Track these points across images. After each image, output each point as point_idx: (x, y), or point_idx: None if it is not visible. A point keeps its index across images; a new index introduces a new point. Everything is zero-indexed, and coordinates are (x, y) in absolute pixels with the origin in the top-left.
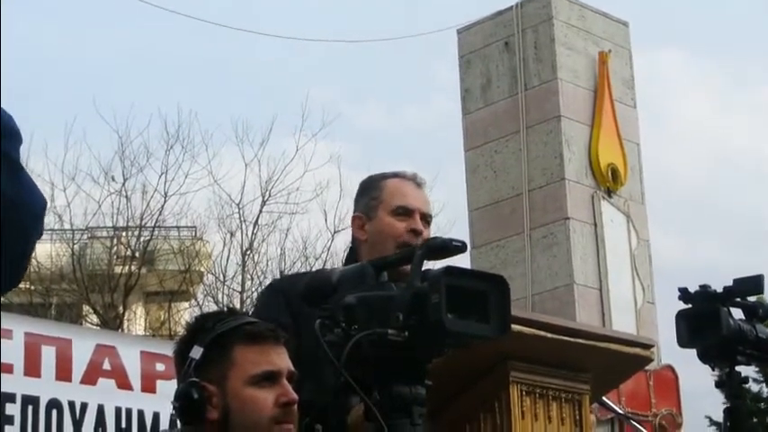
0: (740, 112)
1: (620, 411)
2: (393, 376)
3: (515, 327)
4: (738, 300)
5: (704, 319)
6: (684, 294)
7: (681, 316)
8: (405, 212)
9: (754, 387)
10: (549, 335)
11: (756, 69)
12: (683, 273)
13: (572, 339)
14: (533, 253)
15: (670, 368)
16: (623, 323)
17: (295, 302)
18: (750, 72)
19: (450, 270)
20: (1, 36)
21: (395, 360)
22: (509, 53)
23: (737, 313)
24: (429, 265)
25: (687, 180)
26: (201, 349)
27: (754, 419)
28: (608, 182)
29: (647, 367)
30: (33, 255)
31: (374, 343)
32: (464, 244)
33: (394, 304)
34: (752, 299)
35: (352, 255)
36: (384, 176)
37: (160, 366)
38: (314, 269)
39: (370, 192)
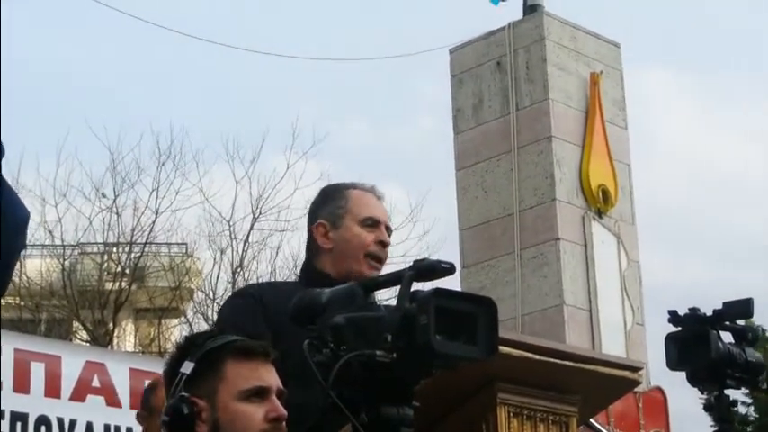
0: (726, 131)
1: None
2: (381, 397)
3: (503, 348)
4: (728, 323)
5: (693, 342)
6: (674, 317)
7: (670, 339)
8: (373, 224)
9: (741, 409)
10: (537, 357)
11: (742, 89)
12: (673, 292)
13: (560, 361)
14: (523, 273)
15: (659, 390)
16: (613, 344)
17: (271, 312)
18: (736, 91)
19: (438, 291)
20: (1, 38)
21: (383, 381)
22: (501, 73)
23: (727, 336)
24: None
25: (673, 199)
26: (192, 364)
27: None
28: (599, 203)
29: (636, 389)
30: (23, 270)
31: (362, 364)
32: (452, 266)
33: (382, 325)
34: (741, 322)
35: (310, 265)
36: (346, 186)
37: None
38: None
39: (336, 200)
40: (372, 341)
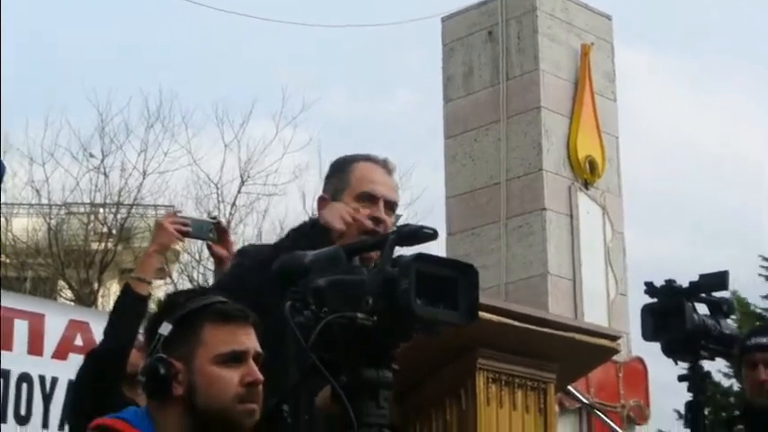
0: (711, 109)
1: (586, 401)
2: (361, 360)
3: (483, 314)
4: (703, 295)
5: (669, 314)
6: (650, 288)
7: (646, 310)
8: (369, 199)
9: (725, 382)
10: (517, 323)
11: (728, 69)
12: (656, 265)
13: (539, 329)
14: (509, 242)
15: (640, 360)
16: (595, 314)
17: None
18: (722, 71)
19: (420, 257)
20: (1, 36)
21: (363, 344)
22: (492, 42)
23: (702, 308)
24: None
25: (659, 173)
26: (170, 326)
27: (723, 414)
28: (585, 174)
29: (617, 359)
30: (9, 228)
31: (343, 326)
32: (435, 231)
33: (364, 288)
34: (717, 294)
35: (315, 233)
36: (355, 159)
37: None
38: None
39: (339, 174)
40: (354, 304)
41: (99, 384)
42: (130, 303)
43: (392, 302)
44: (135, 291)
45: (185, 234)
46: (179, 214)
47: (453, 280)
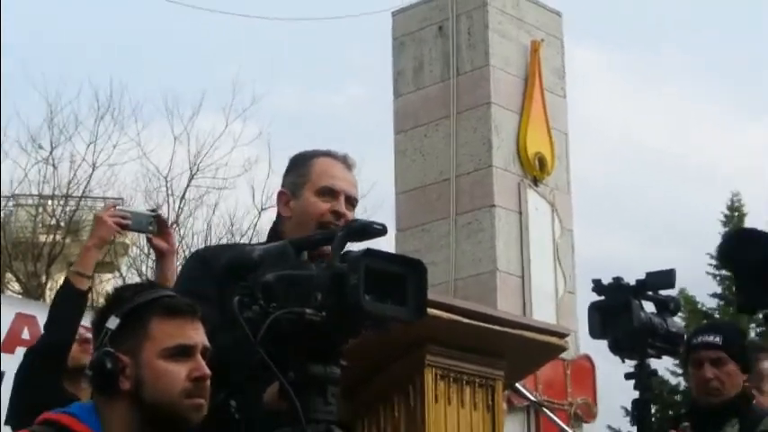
0: (658, 105)
1: (534, 399)
2: (309, 355)
3: (432, 311)
4: (650, 293)
5: (616, 311)
6: (598, 286)
7: (593, 307)
8: (330, 193)
9: (672, 380)
10: (465, 320)
11: (674, 69)
12: (605, 263)
13: (487, 325)
14: (458, 238)
15: (587, 358)
16: (544, 311)
17: (220, 274)
18: (668, 71)
19: (369, 252)
20: (1, 35)
21: (311, 339)
22: (443, 38)
23: (649, 306)
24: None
25: (606, 171)
26: (118, 320)
27: (670, 412)
28: (535, 171)
29: (565, 356)
30: None
31: (292, 321)
32: (384, 227)
33: (313, 284)
34: (664, 292)
35: (276, 231)
36: (315, 154)
37: None
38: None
39: (299, 169)
40: (302, 299)
41: (40, 380)
42: (70, 298)
43: (341, 298)
44: (75, 285)
45: (124, 227)
46: (118, 207)
47: (402, 276)
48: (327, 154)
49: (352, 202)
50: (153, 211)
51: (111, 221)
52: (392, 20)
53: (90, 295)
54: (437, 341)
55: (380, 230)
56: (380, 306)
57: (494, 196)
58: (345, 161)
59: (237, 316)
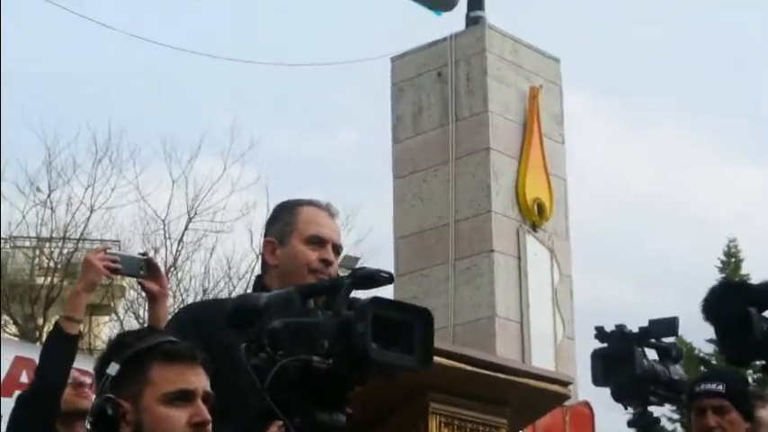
0: (654, 151)
1: None
2: (315, 403)
3: (437, 359)
4: (653, 340)
5: (619, 359)
6: (600, 333)
7: (596, 355)
8: (318, 242)
9: (668, 426)
10: (470, 368)
11: (668, 115)
12: (604, 309)
13: (492, 373)
14: (456, 284)
15: (587, 404)
16: (542, 357)
17: (206, 328)
18: (653, 115)
19: (376, 300)
20: (1, 37)
21: (318, 387)
22: (441, 83)
23: (652, 354)
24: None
25: (604, 216)
26: (118, 366)
27: None
28: (533, 216)
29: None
30: None
31: (298, 369)
32: (391, 275)
33: (320, 331)
34: (666, 340)
35: (260, 280)
36: (299, 203)
37: None
38: (237, 289)
39: (285, 218)
40: (309, 347)
41: (33, 426)
42: (60, 343)
43: (348, 346)
44: (65, 330)
45: (114, 271)
46: (108, 250)
47: (409, 324)
48: (311, 203)
49: (337, 249)
50: (143, 254)
51: (101, 265)
52: (391, 65)
53: (84, 338)
54: (441, 388)
55: (387, 279)
56: (388, 354)
57: (492, 241)
58: (329, 210)
59: (245, 362)
